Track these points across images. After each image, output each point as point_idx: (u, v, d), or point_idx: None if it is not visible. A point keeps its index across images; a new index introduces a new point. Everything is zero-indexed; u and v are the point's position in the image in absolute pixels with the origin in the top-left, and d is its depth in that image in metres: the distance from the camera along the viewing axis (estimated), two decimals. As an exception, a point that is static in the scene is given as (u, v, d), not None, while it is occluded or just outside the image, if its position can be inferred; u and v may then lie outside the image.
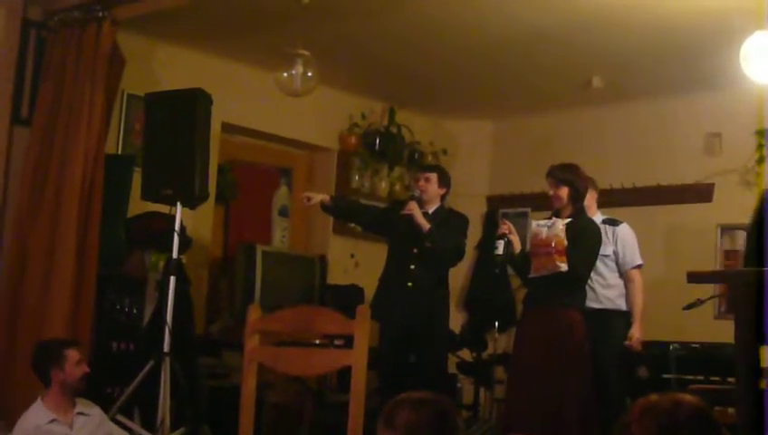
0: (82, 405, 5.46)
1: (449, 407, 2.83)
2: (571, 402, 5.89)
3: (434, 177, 6.95)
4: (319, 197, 7.05)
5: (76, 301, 6.17)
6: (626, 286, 6.75)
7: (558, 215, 6.15)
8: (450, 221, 6.96)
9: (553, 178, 6.13)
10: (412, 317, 6.71)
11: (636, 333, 6.63)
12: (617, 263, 6.75)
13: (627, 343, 6.60)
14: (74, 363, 5.34)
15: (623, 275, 6.76)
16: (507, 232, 6.22)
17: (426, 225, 6.69)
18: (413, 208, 6.73)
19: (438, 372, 6.99)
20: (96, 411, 5.52)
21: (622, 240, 6.76)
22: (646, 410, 2.42)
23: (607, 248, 6.65)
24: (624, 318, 6.70)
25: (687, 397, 2.45)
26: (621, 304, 6.72)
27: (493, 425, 7.66)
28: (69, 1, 6.61)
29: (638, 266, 6.80)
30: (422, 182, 6.94)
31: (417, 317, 6.72)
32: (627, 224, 6.86)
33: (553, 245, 5.93)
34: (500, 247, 6.22)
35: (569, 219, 6.02)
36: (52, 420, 5.28)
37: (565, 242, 5.92)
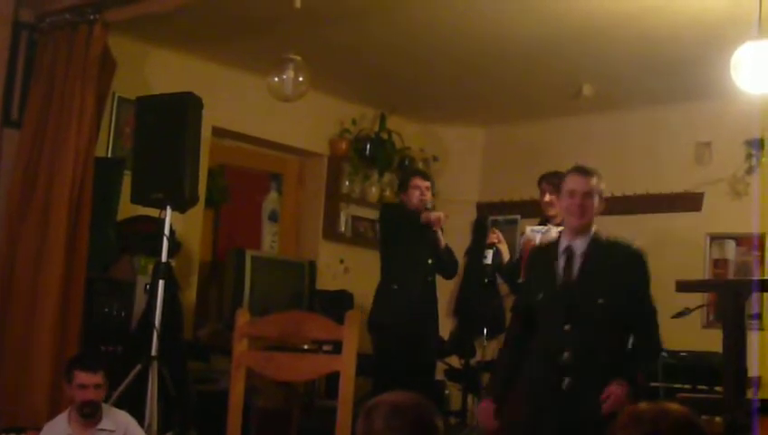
0: (110, 421, 5.32)
1: (428, 410, 2.83)
2: None
3: (431, 185, 7.05)
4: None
5: (65, 303, 6.16)
6: None
7: (548, 222, 6.15)
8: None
9: (552, 186, 6.12)
10: (425, 328, 6.81)
11: None
12: None
13: None
14: (77, 386, 5.19)
15: None
16: (496, 241, 6.24)
17: (443, 240, 6.82)
18: (441, 222, 6.81)
19: (433, 377, 7.09)
20: (123, 426, 5.37)
21: None
22: (631, 419, 2.43)
23: None
24: None
25: (674, 406, 2.45)
26: None
27: (480, 432, 7.65)
28: (60, 3, 6.60)
29: None
30: (426, 191, 6.97)
31: (430, 328, 6.84)
32: None
33: None
34: (489, 257, 6.25)
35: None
36: None
37: None
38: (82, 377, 5.17)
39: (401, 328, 6.82)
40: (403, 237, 7.00)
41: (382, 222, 7.45)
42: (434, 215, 6.81)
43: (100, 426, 5.26)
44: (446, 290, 8.91)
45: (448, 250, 7.01)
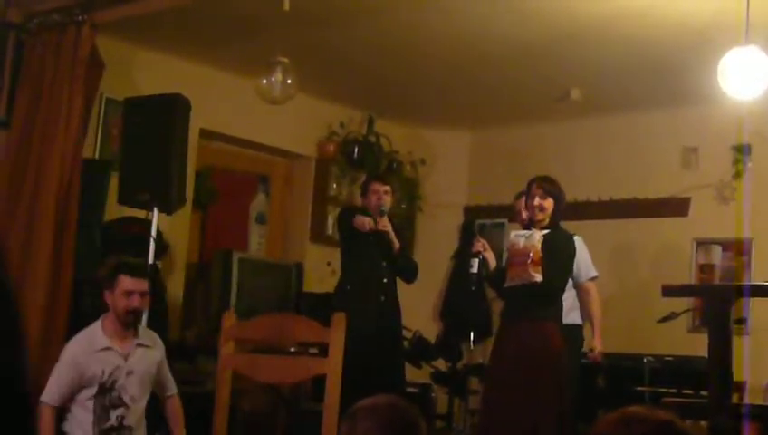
0: (146, 337, 5.23)
1: (408, 412, 2.83)
2: (548, 416, 5.86)
3: (391, 189, 7.06)
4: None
5: (51, 304, 6.14)
6: (582, 299, 6.76)
7: (532, 226, 6.13)
8: (401, 233, 7.13)
9: (542, 190, 6.09)
10: (385, 330, 6.80)
11: (596, 345, 6.65)
12: (571, 276, 6.73)
13: (589, 354, 6.61)
14: (122, 292, 5.02)
15: (578, 287, 6.75)
16: (481, 249, 6.21)
17: (397, 243, 6.83)
18: (388, 226, 6.83)
19: (403, 379, 7.09)
20: (159, 346, 5.29)
21: (578, 253, 6.73)
22: (612, 424, 2.42)
23: None
24: (578, 332, 6.71)
25: (657, 413, 2.44)
26: (575, 318, 6.71)
27: (466, 435, 7.67)
28: (49, 4, 6.59)
29: (594, 278, 6.83)
30: (384, 195, 6.99)
31: (389, 329, 6.84)
32: (579, 237, 6.82)
33: (530, 255, 5.93)
34: (474, 266, 6.23)
35: (546, 231, 6.02)
36: (107, 348, 5.04)
37: (541, 253, 5.92)
38: (128, 283, 5.03)
39: (353, 330, 6.84)
40: (356, 239, 7.06)
41: (338, 224, 7.47)
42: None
43: (138, 340, 5.16)
44: (433, 293, 8.94)
45: (404, 254, 7.04)
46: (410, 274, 7.09)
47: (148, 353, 5.20)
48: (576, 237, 6.78)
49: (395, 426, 2.77)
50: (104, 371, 5.01)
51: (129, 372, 5.08)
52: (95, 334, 5.08)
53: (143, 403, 5.20)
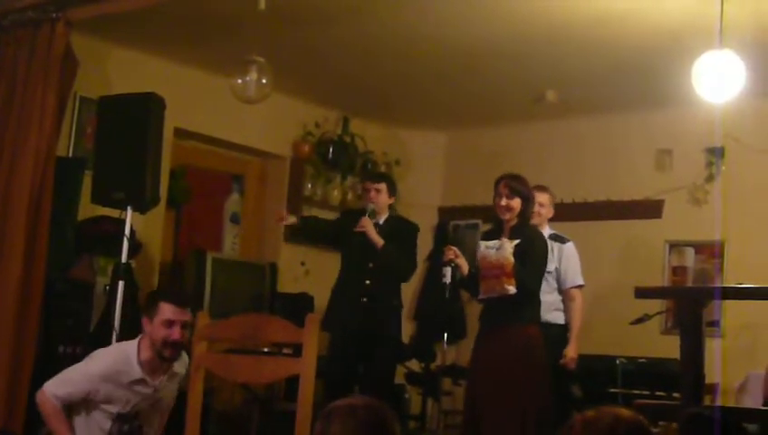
0: (181, 363, 4.87)
1: (384, 413, 2.84)
2: (530, 414, 5.83)
3: (384, 187, 6.98)
4: (291, 219, 7.19)
5: (23, 303, 6.10)
6: (565, 305, 6.71)
7: (500, 225, 6.09)
8: (402, 232, 6.98)
9: (509, 189, 6.04)
10: (366, 331, 6.74)
11: (570, 353, 6.61)
12: (557, 280, 6.72)
13: (561, 361, 6.57)
14: (162, 321, 4.63)
15: (563, 293, 6.70)
16: (453, 257, 6.13)
17: (379, 241, 6.76)
18: (366, 225, 6.77)
19: (388, 384, 7.00)
20: (184, 367, 4.90)
21: (567, 258, 6.72)
22: (586, 426, 2.43)
23: (550, 265, 6.64)
24: (557, 329, 6.67)
25: (625, 411, 2.47)
26: (556, 318, 6.68)
27: (440, 436, 7.67)
28: (23, 1, 6.55)
29: (580, 286, 6.76)
30: (373, 193, 6.95)
31: (371, 331, 6.76)
32: (573, 243, 6.84)
33: (502, 268, 5.87)
34: (448, 275, 6.13)
35: (517, 240, 5.94)
36: (140, 381, 4.71)
37: (513, 262, 5.86)
38: (169, 311, 4.64)
39: (333, 331, 6.84)
40: (345, 242, 7.04)
41: None
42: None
43: (173, 370, 4.85)
44: (407, 294, 8.94)
45: (384, 253, 6.83)
46: (392, 271, 6.95)
47: (175, 378, 4.92)
48: (569, 243, 6.79)
49: (369, 426, 2.77)
50: (129, 401, 4.72)
51: (156, 402, 4.83)
52: (129, 362, 4.70)
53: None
